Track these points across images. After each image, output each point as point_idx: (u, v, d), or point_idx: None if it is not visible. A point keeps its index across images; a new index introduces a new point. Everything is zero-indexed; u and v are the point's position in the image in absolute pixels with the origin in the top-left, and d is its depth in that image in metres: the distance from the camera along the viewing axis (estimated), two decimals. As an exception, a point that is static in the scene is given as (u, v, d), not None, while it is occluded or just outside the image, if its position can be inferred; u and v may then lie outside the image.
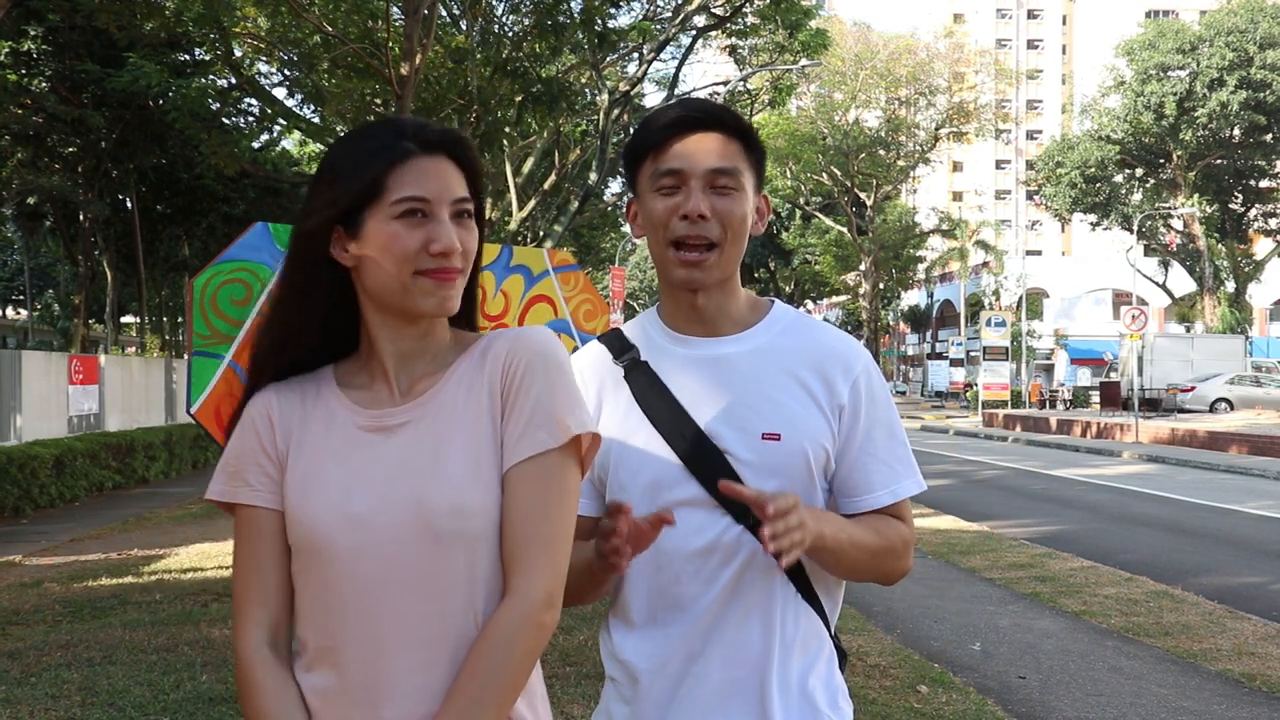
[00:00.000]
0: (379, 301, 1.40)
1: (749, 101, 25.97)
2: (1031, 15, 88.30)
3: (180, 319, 34.89)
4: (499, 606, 1.34)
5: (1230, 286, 45.14)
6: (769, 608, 1.58)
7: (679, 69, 20.94)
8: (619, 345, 1.69)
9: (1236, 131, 43.47)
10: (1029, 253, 69.45)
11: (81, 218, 24.92)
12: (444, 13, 17.28)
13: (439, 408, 1.40)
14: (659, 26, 18.88)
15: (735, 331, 1.66)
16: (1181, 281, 48.43)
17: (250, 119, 22.84)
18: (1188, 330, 44.36)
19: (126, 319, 43.00)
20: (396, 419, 1.40)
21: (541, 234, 22.92)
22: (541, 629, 1.33)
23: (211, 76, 17.74)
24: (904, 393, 62.19)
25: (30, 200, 26.65)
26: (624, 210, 1.75)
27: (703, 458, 1.57)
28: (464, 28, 17.69)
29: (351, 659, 1.35)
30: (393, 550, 1.34)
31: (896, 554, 1.64)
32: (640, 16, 19.53)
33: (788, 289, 60.35)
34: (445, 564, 1.34)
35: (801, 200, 50.61)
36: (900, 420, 1.70)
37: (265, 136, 25.27)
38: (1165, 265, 47.77)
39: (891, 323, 68.12)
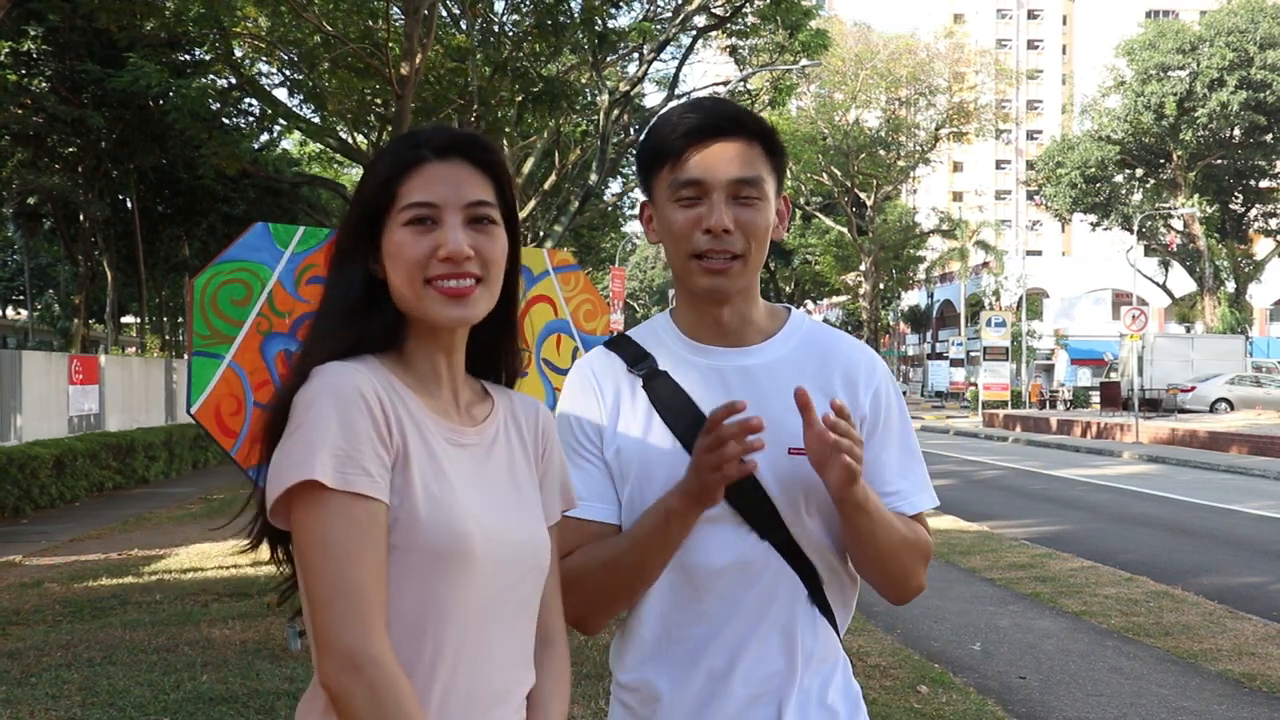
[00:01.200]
0: (407, 315, 1.37)
1: (749, 102, 25.97)
2: (1031, 15, 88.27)
3: (180, 319, 34.90)
4: (556, 649, 1.47)
5: (1230, 286, 45.13)
6: (791, 623, 1.56)
7: (679, 69, 20.93)
8: (633, 352, 1.64)
9: (1236, 131, 43.46)
10: (1029, 253, 69.47)
11: (81, 218, 24.92)
12: (444, 13, 17.28)
13: (501, 445, 1.43)
14: (659, 26, 18.88)
15: (757, 341, 1.63)
16: (1181, 281, 48.42)
17: (250, 119, 22.83)
18: (1188, 330, 44.35)
19: (126, 319, 42.99)
20: (468, 440, 1.39)
21: (541, 234, 22.93)
22: None
23: (211, 76, 17.73)
24: (904, 393, 62.06)
25: (30, 200, 26.65)
26: (638, 214, 1.70)
27: None
28: (464, 27, 17.69)
29: (459, 669, 1.32)
30: (516, 570, 1.37)
31: (920, 553, 1.62)
32: (640, 16, 19.53)
33: (788, 289, 60.34)
34: (537, 589, 1.42)
35: (801, 200, 50.61)
36: (915, 435, 1.69)
37: (265, 137, 25.26)
38: (1165, 265, 47.76)
39: (891, 323, 68.09)
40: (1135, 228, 40.71)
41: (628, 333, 1.70)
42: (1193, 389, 31.58)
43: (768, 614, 1.55)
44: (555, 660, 1.46)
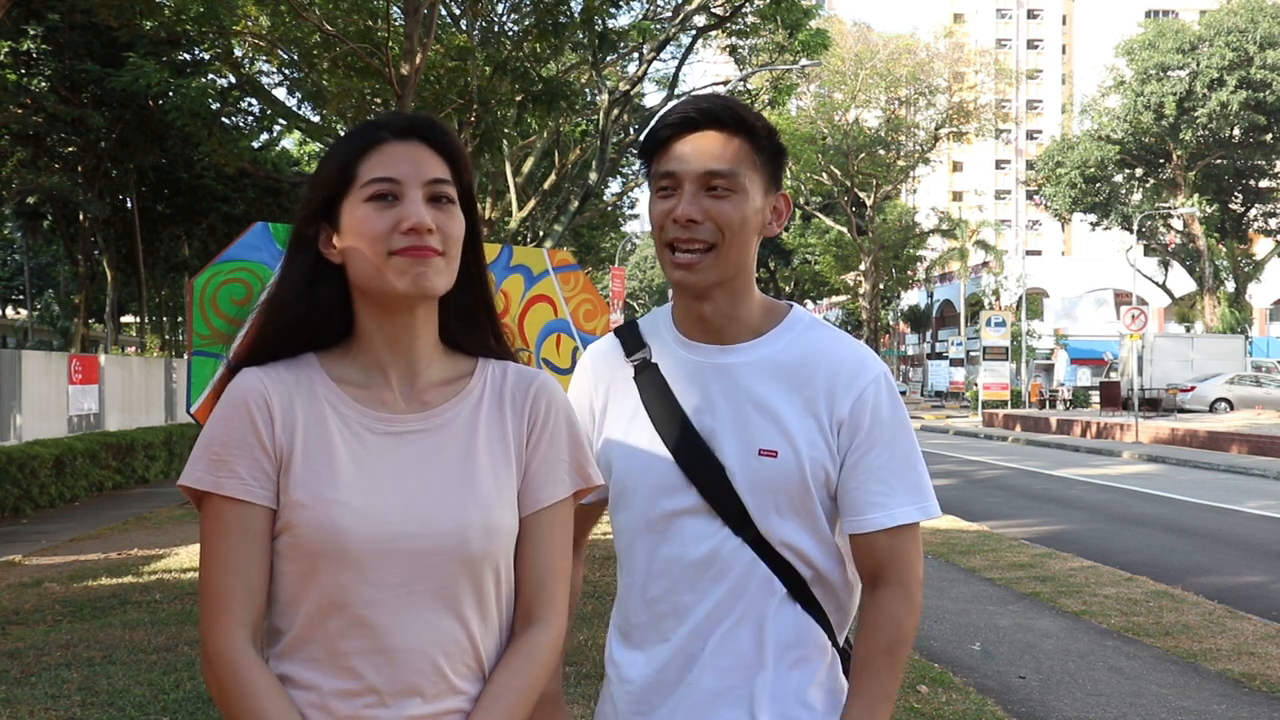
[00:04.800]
0: (365, 292, 1.39)
1: (749, 101, 25.97)
2: (1031, 15, 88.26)
3: (180, 319, 34.88)
4: (533, 631, 1.41)
5: (1230, 286, 45.14)
6: (762, 618, 1.57)
7: (679, 69, 20.94)
8: (632, 342, 1.68)
9: (1236, 131, 43.45)
10: (1029, 253, 69.42)
11: (81, 218, 24.92)
12: (444, 12, 17.28)
13: (459, 427, 1.41)
14: (659, 26, 18.89)
15: (745, 339, 1.62)
16: (1181, 281, 48.42)
17: (250, 119, 22.84)
18: (1188, 330, 44.37)
19: (126, 319, 43.00)
20: (410, 426, 1.39)
21: (541, 234, 22.94)
22: (560, 655, 1.48)
23: (211, 76, 17.74)
24: (904, 393, 62.17)
25: (30, 200, 26.65)
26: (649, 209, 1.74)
27: (702, 468, 1.56)
28: (464, 27, 17.68)
29: (366, 662, 1.33)
30: (423, 562, 1.34)
31: (895, 653, 1.57)
32: (640, 16, 19.52)
33: (788, 289, 60.34)
34: (471, 579, 1.36)
35: (801, 200, 50.59)
36: (914, 442, 1.61)
37: (265, 136, 25.27)
38: (1165, 265, 47.77)
39: (891, 323, 68.08)
40: (1135, 228, 40.69)
41: (636, 320, 1.74)
42: (1192, 389, 31.58)
43: (738, 608, 1.56)
44: (530, 638, 1.40)
